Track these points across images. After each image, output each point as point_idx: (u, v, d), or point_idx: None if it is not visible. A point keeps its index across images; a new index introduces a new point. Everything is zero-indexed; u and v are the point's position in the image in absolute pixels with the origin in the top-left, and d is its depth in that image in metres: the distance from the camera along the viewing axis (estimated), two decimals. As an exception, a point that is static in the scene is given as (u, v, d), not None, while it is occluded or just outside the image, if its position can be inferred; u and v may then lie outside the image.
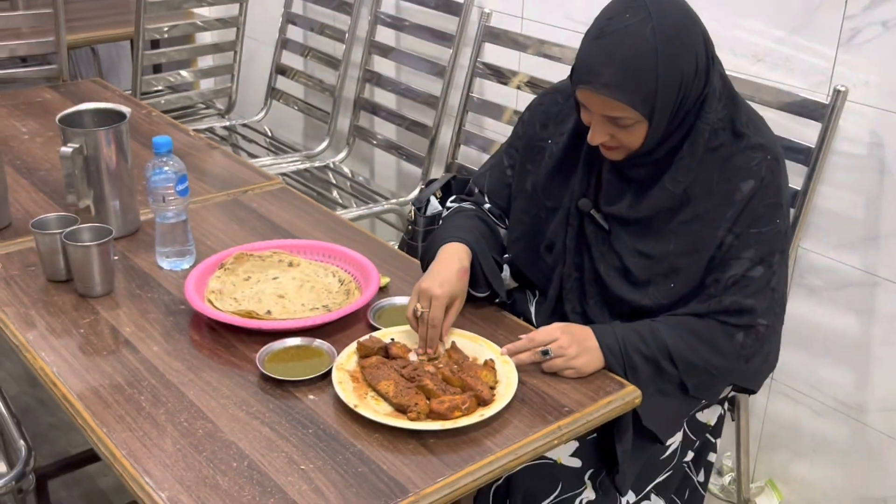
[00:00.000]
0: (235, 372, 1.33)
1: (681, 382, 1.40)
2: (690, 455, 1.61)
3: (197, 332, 1.43)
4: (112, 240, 1.52)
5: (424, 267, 1.52)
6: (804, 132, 1.80)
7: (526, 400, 1.28)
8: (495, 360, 1.33)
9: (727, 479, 2.19)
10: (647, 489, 1.55)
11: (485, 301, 1.50)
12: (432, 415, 1.22)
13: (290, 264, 1.60)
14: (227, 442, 1.18)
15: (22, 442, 1.47)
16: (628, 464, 1.42)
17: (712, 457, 1.66)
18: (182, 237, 1.61)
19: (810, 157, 1.77)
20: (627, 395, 1.32)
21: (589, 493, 1.44)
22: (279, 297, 1.50)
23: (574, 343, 1.34)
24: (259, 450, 1.17)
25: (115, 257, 1.64)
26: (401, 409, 1.24)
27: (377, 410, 1.23)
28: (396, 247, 1.99)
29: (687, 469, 1.62)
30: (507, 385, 1.28)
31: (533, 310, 1.58)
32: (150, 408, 1.24)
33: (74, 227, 1.54)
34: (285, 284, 1.54)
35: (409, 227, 1.90)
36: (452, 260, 1.41)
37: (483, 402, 1.25)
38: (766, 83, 1.86)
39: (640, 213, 1.41)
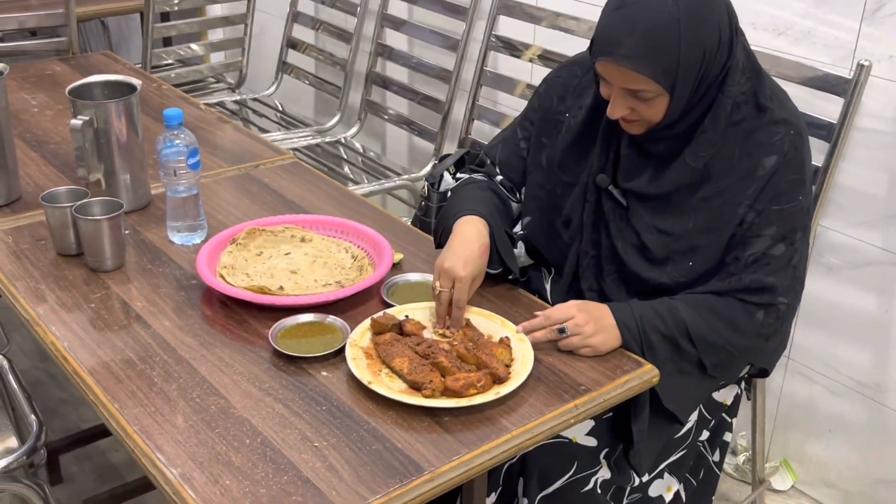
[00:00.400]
0: (248, 348, 1.31)
1: (699, 362, 1.38)
2: (706, 434, 1.59)
3: (209, 307, 1.41)
4: (123, 214, 1.50)
5: (438, 238, 1.50)
6: (826, 107, 1.77)
7: (542, 378, 1.27)
8: (511, 337, 1.32)
9: (741, 458, 2.17)
10: (661, 468, 1.53)
11: (498, 278, 1.48)
12: (447, 392, 1.20)
13: (303, 240, 1.58)
14: (240, 418, 1.17)
15: (33, 417, 1.46)
16: (645, 443, 1.40)
17: (728, 436, 1.64)
18: (193, 211, 1.60)
19: (832, 133, 1.74)
20: (645, 375, 1.30)
21: (604, 472, 1.43)
22: (291, 273, 1.49)
23: (591, 321, 1.32)
24: (272, 426, 1.15)
25: (126, 231, 1.62)
26: (415, 387, 1.22)
27: (391, 387, 1.22)
28: (409, 223, 1.97)
29: (702, 448, 1.60)
30: (522, 363, 1.26)
31: (548, 287, 1.56)
32: (161, 383, 1.23)
33: (85, 201, 1.52)
34: (298, 260, 1.53)
35: (423, 202, 1.87)
36: (473, 236, 1.38)
37: (498, 380, 1.23)
38: (787, 57, 1.82)
39: (660, 188, 1.39)
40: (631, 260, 1.42)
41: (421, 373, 1.23)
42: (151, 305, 1.41)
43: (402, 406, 1.19)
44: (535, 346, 1.31)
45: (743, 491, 2.12)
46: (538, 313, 1.35)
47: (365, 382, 1.20)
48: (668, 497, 1.55)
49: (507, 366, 1.27)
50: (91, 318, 1.38)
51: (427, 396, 1.19)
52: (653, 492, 1.53)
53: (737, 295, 1.37)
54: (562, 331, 1.31)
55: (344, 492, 1.05)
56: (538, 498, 1.41)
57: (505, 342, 1.30)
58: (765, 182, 1.34)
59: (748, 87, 1.33)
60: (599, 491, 1.44)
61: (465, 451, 1.12)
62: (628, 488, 1.49)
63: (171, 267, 1.52)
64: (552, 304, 1.47)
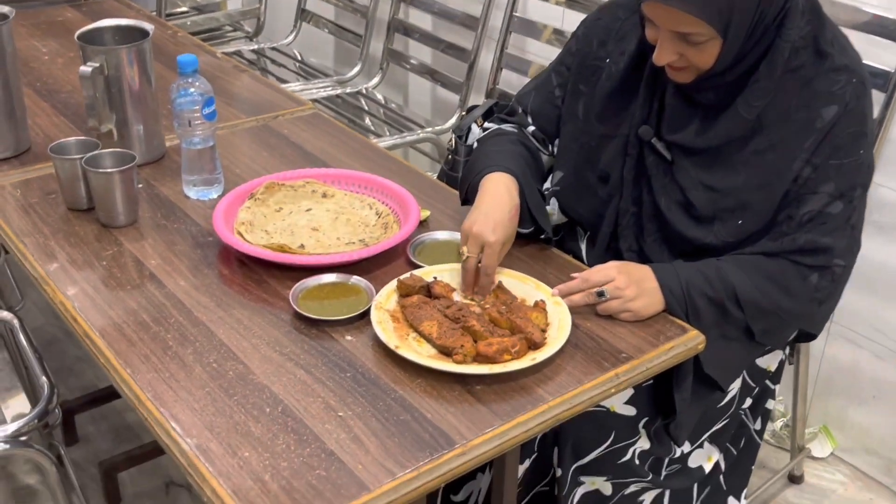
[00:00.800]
0: (267, 310, 1.25)
1: (746, 327, 1.30)
2: (748, 402, 1.52)
3: (226, 266, 1.35)
4: (136, 166, 1.43)
5: (464, 194, 1.42)
6: (881, 55, 1.66)
7: (580, 345, 1.19)
8: (546, 300, 1.24)
9: (779, 423, 2.10)
10: (702, 438, 1.46)
11: (529, 237, 1.40)
12: (479, 358, 1.13)
13: (324, 195, 1.51)
14: (260, 385, 1.10)
15: (44, 379, 1.41)
16: (686, 413, 1.33)
17: (770, 404, 1.57)
18: (210, 164, 1.52)
19: (888, 83, 1.64)
20: (690, 341, 1.22)
21: (643, 443, 1.36)
22: (313, 231, 1.41)
23: (632, 284, 1.24)
24: (294, 394, 1.09)
25: (140, 185, 1.56)
26: (445, 352, 1.15)
27: (419, 353, 1.15)
28: (434, 178, 1.89)
29: (744, 417, 1.53)
30: (559, 328, 1.19)
31: (583, 248, 1.48)
32: (177, 347, 1.17)
33: (95, 153, 1.45)
34: (319, 217, 1.45)
35: (449, 156, 1.79)
36: (502, 196, 1.30)
37: (534, 346, 1.16)
38: (841, 1, 1.71)
39: (708, 141, 1.30)
40: (675, 218, 1.34)
41: (451, 337, 1.15)
42: (166, 263, 1.34)
43: (432, 373, 1.12)
44: (573, 310, 1.23)
45: (780, 458, 2.05)
46: (575, 275, 1.27)
47: (392, 347, 1.13)
48: (708, 467, 1.49)
49: (543, 330, 1.19)
50: (103, 276, 1.31)
51: (458, 362, 1.13)
52: (692, 462, 1.46)
53: (790, 256, 1.28)
54: (601, 294, 1.23)
55: (370, 465, 0.99)
56: (573, 468, 1.35)
57: (540, 305, 1.22)
58: (823, 134, 1.24)
59: (808, 30, 1.24)
60: (637, 462, 1.37)
61: (499, 423, 1.05)
62: (667, 459, 1.42)
63: (186, 223, 1.46)
64: (588, 266, 1.40)
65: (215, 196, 1.53)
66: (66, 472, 1.79)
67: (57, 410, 1.89)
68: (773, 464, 2.03)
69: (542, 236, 1.40)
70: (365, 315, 1.22)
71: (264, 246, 1.35)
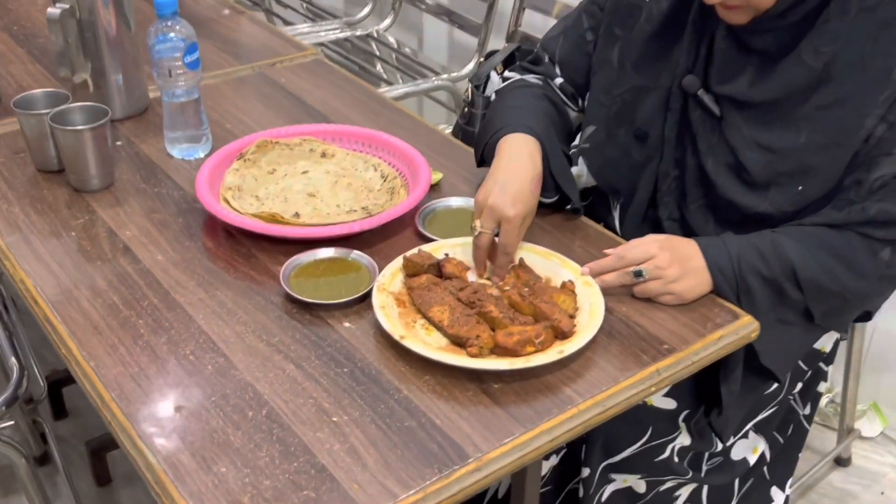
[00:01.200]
0: (255, 290, 1.10)
1: (806, 310, 1.14)
2: (798, 387, 1.36)
3: (211, 237, 1.19)
4: (109, 122, 1.28)
5: (480, 155, 1.26)
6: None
7: (614, 334, 1.04)
8: (574, 281, 1.08)
9: (824, 401, 1.95)
10: (747, 428, 1.32)
11: (554, 206, 1.24)
12: (497, 350, 0.98)
13: (324, 154, 1.35)
14: (243, 383, 0.96)
15: (14, 360, 1.27)
16: (734, 407, 1.18)
17: (822, 386, 1.41)
18: (194, 119, 1.36)
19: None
20: (742, 329, 1.06)
21: (683, 439, 1.22)
22: (309, 196, 1.25)
23: (675, 262, 1.08)
24: (281, 394, 0.94)
25: (119, 142, 1.41)
26: (458, 342, 1.00)
27: (428, 343, 1.00)
28: (449, 132, 1.72)
29: (792, 402, 1.38)
30: (590, 314, 1.03)
31: (616, 216, 1.31)
32: (149, 335, 1.02)
33: (63, 107, 1.30)
34: (317, 180, 1.29)
35: (466, 108, 1.62)
36: (523, 163, 1.13)
37: (561, 335, 1.00)
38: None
39: (765, 94, 1.12)
40: (724, 183, 1.17)
41: (465, 325, 1.00)
42: (143, 234, 1.19)
43: (442, 367, 0.97)
44: (605, 291, 1.07)
45: (824, 437, 1.90)
46: (609, 251, 1.11)
47: (396, 338, 0.98)
48: (753, 459, 1.34)
49: (571, 316, 1.04)
50: (70, 249, 1.16)
51: (473, 356, 0.97)
52: (735, 454, 1.32)
53: (858, 228, 1.11)
54: (638, 274, 1.07)
55: (368, 485, 0.84)
56: (602, 466, 1.20)
57: (568, 287, 1.07)
58: (903, 87, 1.07)
59: (889, -38, 1.05)
60: (677, 459, 1.22)
61: (521, 431, 0.91)
62: (707, 453, 1.27)
63: (168, 186, 1.30)
64: (621, 237, 1.24)
65: (202, 155, 1.38)
66: (50, 451, 1.68)
67: (43, 384, 1.76)
68: (816, 444, 1.88)
69: (568, 206, 1.24)
70: (366, 298, 1.07)
71: (253, 215, 1.19)
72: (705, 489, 1.31)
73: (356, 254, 1.13)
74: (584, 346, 0.99)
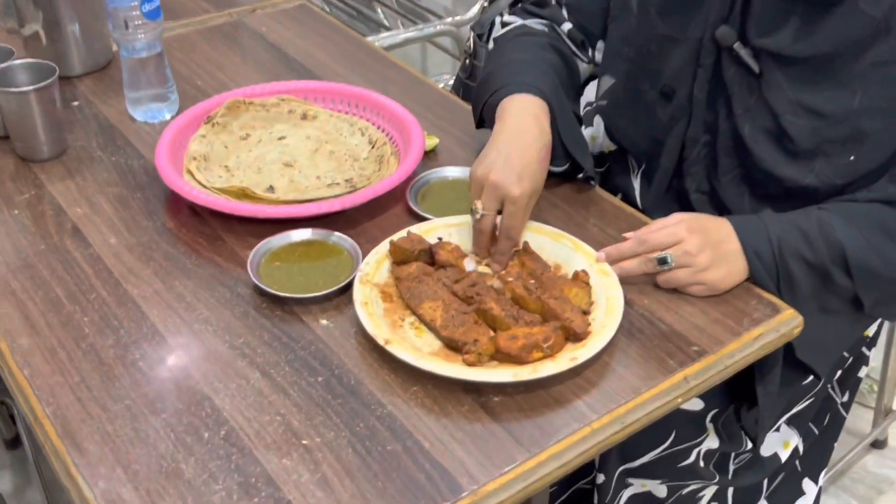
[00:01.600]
0: (219, 280, 0.96)
1: (854, 298, 0.99)
2: (838, 374, 1.23)
3: (173, 215, 1.05)
4: (56, 81, 1.12)
5: (479, 117, 1.11)
6: None
7: (634, 333, 0.90)
8: (588, 270, 0.94)
9: (858, 375, 1.81)
10: (780, 422, 1.18)
11: (564, 176, 1.09)
12: (499, 356, 0.84)
13: (304, 116, 1.19)
14: (199, 396, 0.82)
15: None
16: (770, 407, 1.04)
17: (862, 371, 1.28)
18: (158, 76, 1.21)
19: None
20: (783, 325, 0.92)
21: (711, 442, 1.08)
22: (286, 167, 1.11)
23: (707, 246, 0.93)
24: (244, 410, 0.81)
25: (76, 103, 1.26)
26: (452, 346, 0.86)
27: (418, 347, 0.86)
28: (450, 86, 1.57)
29: (830, 390, 1.24)
30: (607, 310, 0.89)
31: (636, 186, 1.16)
32: (94, 336, 0.89)
33: (6, 65, 1.14)
34: (295, 147, 1.14)
35: (467, 60, 1.46)
36: (530, 131, 0.98)
37: (574, 337, 0.86)
38: None
39: (812, 48, 0.96)
40: (762, 151, 1.01)
41: (461, 326, 0.86)
42: (95, 213, 1.05)
43: (434, 378, 0.83)
44: (624, 281, 0.93)
45: (857, 415, 1.77)
46: (628, 235, 0.96)
47: (381, 342, 0.84)
48: (785, 455, 1.21)
49: (585, 313, 0.90)
50: (10, 230, 1.03)
51: (470, 364, 0.84)
52: (765, 450, 1.18)
53: (919, 206, 0.96)
54: (663, 261, 0.93)
55: (342, 527, 0.71)
56: (619, 471, 1.07)
57: (581, 278, 0.92)
58: (980, 41, 0.90)
59: None
60: (702, 464, 1.09)
61: (524, 456, 0.77)
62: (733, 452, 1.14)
63: (128, 154, 1.16)
64: (643, 211, 1.09)
65: (168, 117, 1.23)
66: (20, 433, 1.56)
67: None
68: (849, 424, 1.74)
69: (581, 175, 1.09)
70: (347, 289, 0.93)
71: (220, 190, 1.05)
72: (731, 488, 1.18)
73: (337, 236, 0.99)
74: (600, 350, 0.85)
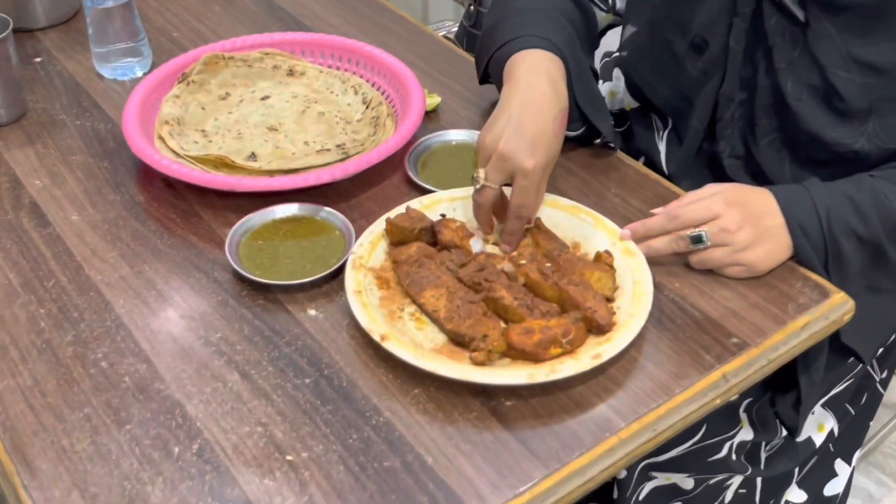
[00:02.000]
0: (195, 263, 0.85)
1: (908, 275, 0.89)
2: (879, 352, 1.12)
3: (144, 188, 0.94)
4: (11, 34, 1.01)
5: (483, 69, 0.99)
6: None
7: (665, 322, 0.79)
8: (612, 250, 0.83)
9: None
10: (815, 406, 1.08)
11: (578, 141, 0.98)
12: (512, 353, 0.74)
13: (291, 73, 1.08)
14: (170, 402, 0.72)
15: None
16: (811, 397, 0.95)
17: (903, 345, 1.17)
18: (128, 29, 1.09)
19: None
20: (833, 311, 0.82)
21: (745, 433, 0.99)
22: (270, 131, 0.99)
23: (747, 223, 0.82)
24: (220, 419, 0.71)
25: (38, 59, 1.14)
26: (458, 341, 0.76)
27: (419, 343, 0.76)
28: (453, 35, 1.44)
29: (868, 368, 1.14)
30: (634, 296, 0.78)
31: (662, 149, 1.05)
32: (51, 331, 0.78)
33: (-46, 18, 1.03)
34: (280, 108, 1.03)
35: (471, 6, 1.34)
36: (544, 95, 0.86)
37: (597, 330, 0.76)
38: None
39: (867, -7, 0.84)
40: (806, 111, 0.90)
41: (468, 318, 0.76)
42: (56, 185, 0.94)
43: (437, 379, 0.73)
44: (651, 261, 0.82)
45: (890, 388, 1.66)
46: (657, 211, 0.85)
47: (377, 338, 0.74)
48: (819, 439, 1.12)
49: (609, 300, 0.79)
50: (-39, 208, 0.92)
51: (478, 363, 0.73)
52: (799, 436, 1.08)
53: None
54: (698, 239, 0.82)
55: (332, 562, 0.62)
56: (641, 465, 0.98)
57: (605, 260, 0.81)
58: None
59: None
60: (735, 457, 1.00)
61: (541, 473, 0.67)
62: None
63: (94, 117, 1.04)
64: (670, 178, 0.98)
65: (140, 74, 1.11)
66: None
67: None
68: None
69: (598, 141, 0.98)
70: (338, 274, 0.82)
71: (196, 159, 0.94)
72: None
73: (327, 212, 0.88)
74: (627, 345, 0.74)
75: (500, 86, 0.92)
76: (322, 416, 0.71)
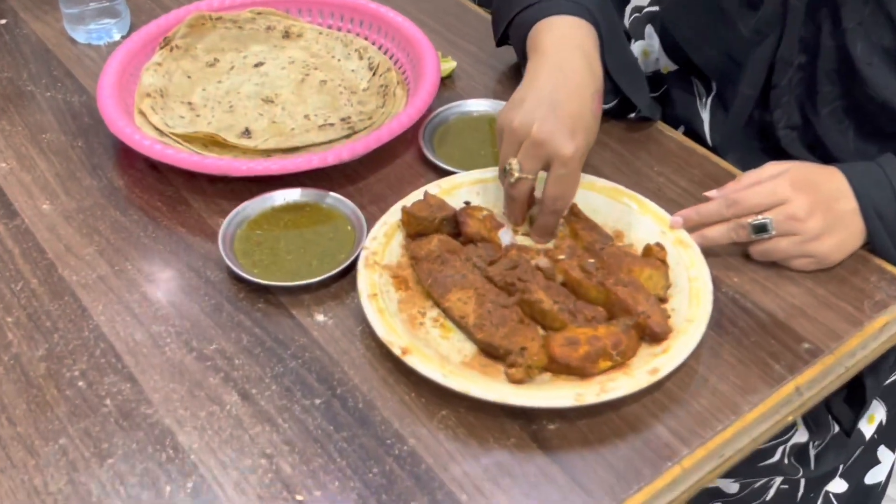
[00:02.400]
0: (184, 261, 0.75)
1: None
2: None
3: (124, 170, 0.84)
4: (-31, -1, 0.89)
5: (500, 31, 0.89)
6: None
7: (724, 324, 0.70)
8: (663, 239, 0.73)
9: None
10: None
11: (611, 114, 0.87)
12: (554, 367, 0.65)
13: (287, 35, 0.97)
14: (159, 430, 0.63)
15: None
16: (874, 395, 0.86)
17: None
18: (102, -13, 0.98)
19: None
20: (915, 308, 0.72)
21: (800, 435, 0.90)
22: (265, 103, 0.89)
23: (818, 209, 0.72)
24: (217, 450, 0.61)
25: (3, 20, 1.03)
26: (491, 353, 0.66)
27: (445, 354, 0.66)
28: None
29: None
30: (691, 297, 0.69)
31: (705, 117, 0.94)
32: (19, 343, 0.69)
33: None
34: (276, 76, 0.92)
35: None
36: (579, 70, 0.75)
37: (652, 337, 0.66)
38: None
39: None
40: (878, 76, 0.79)
41: (501, 326, 0.66)
42: (24, 169, 0.84)
43: (468, 398, 0.63)
44: (705, 252, 0.73)
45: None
46: (711, 194, 0.75)
47: (397, 352, 0.64)
48: (869, 431, 1.03)
49: (662, 300, 0.69)
50: (-84, 196, 0.81)
51: (515, 380, 0.64)
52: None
53: None
54: (762, 228, 0.72)
55: None
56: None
57: (656, 254, 0.71)
58: None
59: None
60: (787, 461, 0.91)
61: (596, 512, 0.58)
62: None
63: (67, 89, 0.94)
64: (713, 150, 0.88)
65: (117, 37, 1.00)
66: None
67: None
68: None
69: (633, 115, 0.87)
70: (349, 271, 0.72)
71: (182, 137, 0.83)
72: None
73: (334, 197, 0.78)
74: (687, 357, 0.65)
75: (521, 54, 0.81)
76: (336, 444, 0.62)
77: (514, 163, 0.71)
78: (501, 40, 0.91)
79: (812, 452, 0.98)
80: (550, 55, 0.75)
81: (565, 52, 0.75)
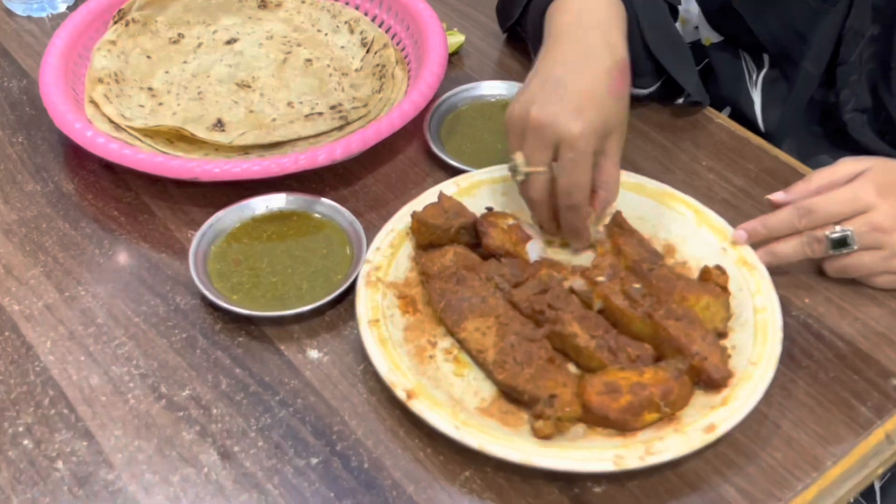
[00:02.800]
0: (147, 284, 0.69)
1: None
2: None
3: (74, 172, 0.78)
4: None
5: (508, 22, 0.83)
6: None
7: (798, 357, 0.64)
8: (721, 260, 0.67)
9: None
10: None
11: (653, 100, 0.82)
12: (589, 417, 0.58)
13: (263, 5, 0.90)
14: (122, 499, 0.57)
15: None
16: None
17: None
18: (43, -51, 0.90)
19: None
20: None
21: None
22: (241, 89, 0.82)
23: (906, 216, 0.66)
24: (194, 524, 0.55)
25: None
26: (515, 397, 0.60)
27: (459, 398, 0.60)
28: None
29: None
30: (756, 331, 0.63)
31: (756, 98, 0.88)
32: (-47, 393, 0.62)
33: None
34: (253, 55, 0.85)
35: None
36: (593, 49, 0.68)
37: (708, 383, 0.60)
38: None
39: None
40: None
41: (526, 366, 0.60)
42: (-45, 171, 0.77)
43: (487, 460, 0.57)
44: (771, 269, 0.66)
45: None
46: (778, 198, 0.68)
47: (400, 395, 0.58)
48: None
49: (721, 335, 0.63)
50: None
51: (544, 436, 0.57)
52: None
53: None
54: (841, 243, 0.66)
55: None
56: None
57: (715, 279, 0.65)
58: None
59: None
60: (851, 499, 0.86)
61: None
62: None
63: (3, 72, 0.88)
64: (766, 136, 0.82)
65: (63, 8, 0.93)
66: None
67: None
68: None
69: (681, 100, 0.81)
70: (346, 296, 0.66)
71: (140, 131, 0.76)
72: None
73: (325, 204, 0.71)
74: (752, 408, 0.59)
75: (535, 47, 0.75)
76: (337, 516, 0.56)
77: (520, 157, 0.65)
78: (510, 26, 0.86)
79: (877, 486, 0.93)
80: (561, 36, 0.70)
81: (579, 29, 0.70)
